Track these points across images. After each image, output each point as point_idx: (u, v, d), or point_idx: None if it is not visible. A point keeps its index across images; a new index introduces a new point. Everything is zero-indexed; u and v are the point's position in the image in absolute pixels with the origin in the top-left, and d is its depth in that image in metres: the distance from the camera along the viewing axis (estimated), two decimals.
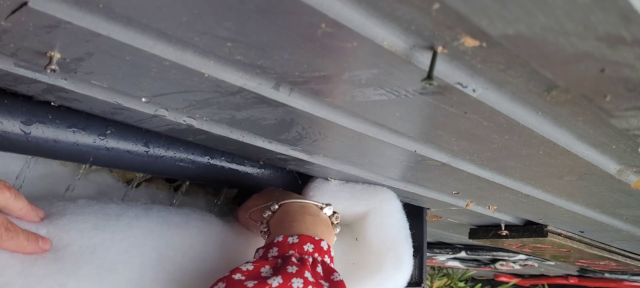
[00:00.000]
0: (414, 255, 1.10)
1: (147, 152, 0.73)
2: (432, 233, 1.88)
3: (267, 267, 0.66)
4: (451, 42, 0.42)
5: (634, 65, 0.43)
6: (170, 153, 0.75)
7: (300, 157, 0.77)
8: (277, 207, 0.78)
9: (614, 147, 0.67)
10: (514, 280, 3.25)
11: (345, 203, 0.90)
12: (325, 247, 0.71)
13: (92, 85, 0.54)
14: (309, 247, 0.69)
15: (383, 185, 0.94)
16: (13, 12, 0.40)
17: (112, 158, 0.70)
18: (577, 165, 0.75)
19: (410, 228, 1.00)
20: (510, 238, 1.35)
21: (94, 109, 0.63)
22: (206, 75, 0.50)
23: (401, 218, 0.98)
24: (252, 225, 0.83)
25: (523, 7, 0.37)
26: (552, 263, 2.22)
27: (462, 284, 3.11)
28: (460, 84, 0.50)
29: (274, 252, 0.69)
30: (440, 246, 2.32)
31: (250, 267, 0.66)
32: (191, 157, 0.77)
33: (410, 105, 0.56)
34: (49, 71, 0.47)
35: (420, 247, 1.12)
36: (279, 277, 0.63)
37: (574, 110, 0.55)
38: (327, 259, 0.70)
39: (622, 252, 1.72)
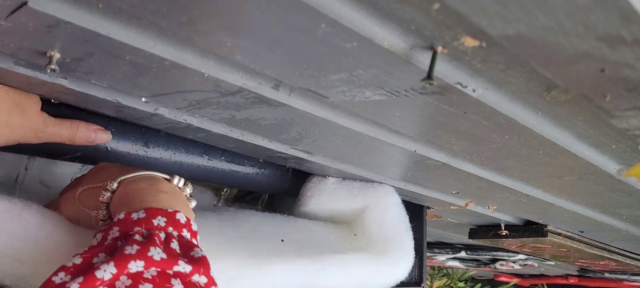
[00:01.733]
0: (414, 255, 1.11)
1: (146, 153, 0.73)
2: (432, 233, 1.88)
3: (102, 254, 0.50)
4: (451, 42, 0.42)
5: (634, 65, 0.43)
6: (169, 152, 0.75)
7: (300, 156, 0.77)
8: (116, 185, 0.60)
9: (613, 147, 0.67)
10: (514, 280, 3.26)
11: (343, 201, 0.90)
12: (183, 220, 0.56)
13: (92, 85, 0.54)
14: (160, 221, 0.54)
15: (381, 183, 0.94)
16: (13, 12, 0.40)
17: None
18: (577, 165, 0.75)
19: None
20: (510, 238, 1.35)
21: (94, 108, 0.63)
22: (206, 75, 0.50)
23: (400, 211, 0.98)
24: (84, 215, 0.64)
25: (523, 7, 0.37)
26: (552, 263, 2.22)
27: (462, 284, 3.12)
28: (460, 84, 0.50)
29: (115, 232, 0.53)
30: (440, 246, 2.32)
31: (79, 260, 0.50)
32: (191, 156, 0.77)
33: (410, 105, 0.56)
34: (48, 71, 0.47)
35: (420, 246, 1.12)
36: (111, 264, 0.48)
37: (573, 110, 0.55)
38: (185, 233, 0.56)
39: (622, 252, 1.72)
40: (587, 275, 2.81)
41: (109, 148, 0.69)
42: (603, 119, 0.57)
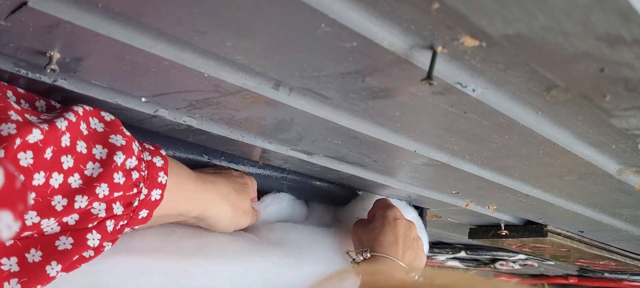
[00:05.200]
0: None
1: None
2: (432, 233, 1.88)
3: None
4: (451, 41, 0.42)
5: (634, 64, 0.43)
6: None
7: (300, 157, 0.77)
8: (369, 255, 0.80)
9: (613, 146, 0.67)
10: (514, 280, 3.25)
11: None
12: None
13: (91, 85, 0.54)
14: None
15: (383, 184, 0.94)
16: (13, 12, 0.40)
17: None
18: (576, 165, 0.75)
19: None
20: (510, 238, 1.35)
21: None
22: (206, 75, 0.50)
23: (419, 222, 1.06)
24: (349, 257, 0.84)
25: (523, 7, 0.37)
26: (552, 263, 2.22)
27: None
28: (460, 84, 0.50)
29: None
30: (440, 246, 2.32)
31: None
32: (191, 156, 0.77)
33: (409, 105, 0.56)
34: (48, 71, 0.47)
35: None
36: None
37: (573, 109, 0.55)
38: None
39: (622, 252, 1.72)
40: (587, 275, 2.81)
41: None
42: (603, 119, 0.57)
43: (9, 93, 0.53)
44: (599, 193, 0.94)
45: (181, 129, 0.67)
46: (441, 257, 2.45)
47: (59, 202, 0.50)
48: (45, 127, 0.49)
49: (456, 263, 2.68)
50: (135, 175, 0.57)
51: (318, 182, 0.93)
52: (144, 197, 0.59)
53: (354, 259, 0.80)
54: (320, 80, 0.52)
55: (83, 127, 0.53)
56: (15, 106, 0.49)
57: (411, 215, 1.09)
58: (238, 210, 0.74)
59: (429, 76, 0.44)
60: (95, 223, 0.55)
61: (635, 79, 0.46)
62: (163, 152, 0.63)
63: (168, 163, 0.62)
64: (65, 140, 0.51)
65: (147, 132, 0.72)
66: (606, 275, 2.62)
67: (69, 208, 0.51)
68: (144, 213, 0.60)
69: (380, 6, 0.39)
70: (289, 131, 0.67)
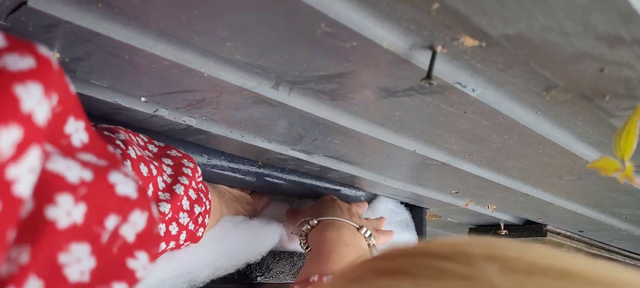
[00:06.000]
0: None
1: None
2: (432, 232, 1.88)
3: None
4: (451, 41, 0.42)
5: (634, 64, 0.43)
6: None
7: (300, 157, 0.77)
8: (315, 222, 0.82)
9: (613, 146, 0.67)
10: None
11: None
12: None
13: (91, 85, 0.54)
14: None
15: (382, 184, 0.94)
16: (12, 12, 0.40)
17: None
18: (576, 165, 0.75)
19: None
20: (510, 237, 1.36)
21: (93, 109, 0.63)
22: (206, 74, 0.50)
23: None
24: (296, 234, 0.88)
25: (522, 7, 0.37)
26: None
27: None
28: (460, 84, 0.50)
29: None
30: None
31: None
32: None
33: (409, 105, 0.56)
34: None
35: None
36: None
37: (573, 109, 0.55)
38: None
39: (622, 252, 1.72)
40: None
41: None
42: (602, 119, 0.57)
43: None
44: (598, 193, 0.94)
45: (181, 129, 0.67)
46: None
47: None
48: (167, 196, 0.61)
49: None
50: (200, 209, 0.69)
51: (317, 183, 0.93)
52: (201, 220, 0.70)
53: (303, 230, 0.83)
54: (320, 80, 0.52)
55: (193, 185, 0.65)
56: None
57: (404, 215, 1.10)
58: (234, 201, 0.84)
59: (428, 76, 0.44)
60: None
61: (635, 79, 0.46)
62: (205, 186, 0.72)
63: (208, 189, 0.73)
64: (185, 204, 0.64)
65: (146, 131, 0.72)
66: None
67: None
68: (200, 232, 0.71)
69: (380, 6, 0.39)
70: (289, 131, 0.67)
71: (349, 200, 1.02)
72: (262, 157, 0.80)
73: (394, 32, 0.42)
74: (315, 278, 0.72)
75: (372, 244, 0.82)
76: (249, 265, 0.84)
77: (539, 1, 0.36)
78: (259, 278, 0.87)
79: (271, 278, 0.88)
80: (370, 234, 0.83)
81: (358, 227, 0.82)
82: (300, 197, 0.98)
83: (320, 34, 0.42)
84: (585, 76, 0.47)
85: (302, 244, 0.85)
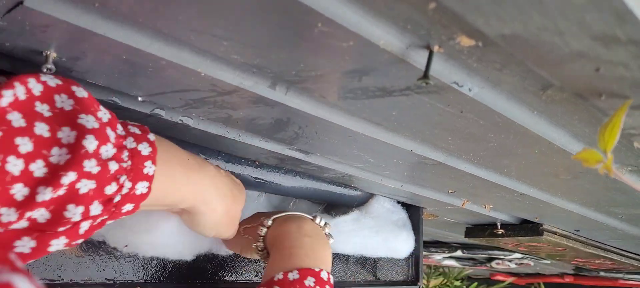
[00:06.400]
0: (410, 254, 1.11)
1: None
2: (428, 232, 1.89)
3: None
4: (447, 41, 0.42)
5: (629, 64, 0.44)
6: None
7: (297, 157, 0.78)
8: (270, 222, 0.76)
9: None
10: (510, 279, 3.26)
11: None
12: (326, 277, 0.70)
13: (87, 84, 0.54)
14: (310, 282, 0.67)
15: (379, 184, 0.94)
16: (9, 11, 0.40)
17: None
18: (572, 164, 0.75)
19: None
20: (506, 237, 1.36)
21: None
22: (202, 74, 0.50)
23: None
24: (246, 244, 0.79)
25: (518, 7, 0.37)
26: (548, 261, 2.22)
27: (458, 283, 3.12)
28: (456, 83, 0.50)
29: None
30: (437, 245, 2.32)
31: None
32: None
33: (406, 104, 0.56)
34: (45, 70, 0.47)
35: (417, 246, 1.12)
36: None
37: (569, 109, 0.56)
38: None
39: (617, 251, 1.73)
40: (582, 273, 2.82)
41: None
42: (598, 118, 0.57)
43: None
44: (594, 192, 0.94)
45: (178, 128, 0.67)
46: (437, 256, 2.46)
47: (19, 190, 0.43)
48: None
49: (452, 262, 2.68)
50: (113, 166, 0.49)
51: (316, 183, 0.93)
52: (127, 191, 0.52)
53: (260, 235, 0.75)
54: (317, 80, 0.52)
55: (42, 107, 0.46)
56: None
57: (400, 215, 1.10)
58: (228, 216, 0.68)
59: (425, 75, 0.44)
60: (67, 226, 0.48)
61: (630, 79, 0.46)
62: (151, 136, 0.56)
63: (157, 150, 0.55)
64: (17, 120, 0.44)
65: None
66: (602, 273, 2.63)
67: (30, 201, 0.44)
68: (128, 207, 0.53)
69: (376, 6, 0.39)
70: (286, 130, 0.67)
71: (344, 201, 1.02)
72: (259, 156, 0.80)
73: (391, 32, 0.43)
74: (280, 276, 0.67)
75: (328, 233, 0.77)
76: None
77: (534, 1, 0.36)
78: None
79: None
80: (325, 222, 0.78)
81: (312, 217, 0.77)
82: (298, 198, 0.98)
83: (316, 34, 0.42)
84: (581, 76, 0.47)
85: (259, 251, 0.76)
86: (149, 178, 0.54)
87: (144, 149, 0.54)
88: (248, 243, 0.78)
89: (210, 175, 0.64)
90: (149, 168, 0.54)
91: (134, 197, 0.53)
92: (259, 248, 0.76)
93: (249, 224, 0.78)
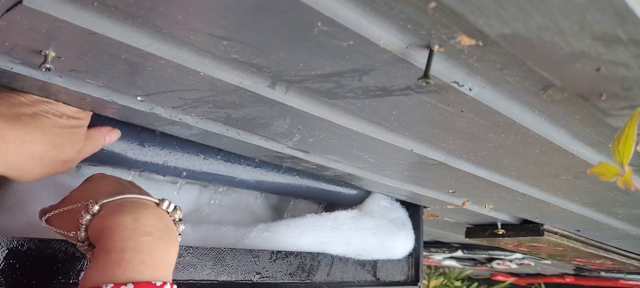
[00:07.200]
0: (410, 254, 1.11)
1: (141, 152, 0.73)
2: (429, 232, 1.89)
3: None
4: (447, 40, 0.42)
5: (630, 64, 0.43)
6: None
7: (297, 155, 0.77)
8: (97, 208, 0.56)
9: (609, 146, 0.67)
10: (511, 279, 3.27)
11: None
12: None
13: (87, 84, 0.54)
14: None
15: (379, 183, 0.94)
16: (8, 10, 0.40)
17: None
18: (573, 164, 0.75)
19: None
20: (507, 237, 1.36)
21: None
22: (202, 74, 0.50)
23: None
24: (63, 235, 0.60)
25: (519, 6, 0.37)
26: (549, 262, 2.22)
27: (458, 283, 3.12)
28: (457, 83, 0.50)
29: None
30: (437, 245, 2.32)
31: None
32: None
33: (406, 104, 0.56)
34: (43, 70, 0.47)
35: (417, 246, 1.12)
36: None
37: (570, 109, 0.55)
38: None
39: (618, 251, 1.73)
40: (583, 274, 2.82)
41: (103, 148, 0.68)
42: (599, 118, 0.57)
43: None
44: (595, 192, 0.94)
45: (177, 127, 0.67)
46: (438, 256, 2.46)
47: None
48: None
49: (453, 263, 2.68)
50: None
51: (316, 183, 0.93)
52: None
53: (82, 224, 0.56)
54: (317, 79, 0.52)
55: None
56: None
57: (399, 213, 1.09)
58: (54, 165, 0.59)
59: (425, 75, 0.44)
60: None
61: (631, 79, 0.46)
62: None
63: None
64: None
65: (143, 129, 0.72)
66: (602, 274, 2.63)
67: None
68: None
69: (377, 5, 0.39)
70: (286, 130, 0.67)
71: (343, 200, 1.02)
72: (259, 154, 0.80)
73: (391, 31, 0.42)
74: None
75: (178, 219, 0.59)
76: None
77: (535, 0, 0.36)
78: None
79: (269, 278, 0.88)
80: (175, 207, 0.58)
81: (157, 202, 0.58)
82: (297, 197, 0.98)
83: (316, 33, 0.42)
84: (582, 75, 0.47)
85: (81, 244, 0.57)
86: None
87: None
88: (64, 236, 0.60)
89: (23, 140, 0.55)
90: None
91: None
92: (80, 239, 0.57)
93: (67, 206, 0.59)
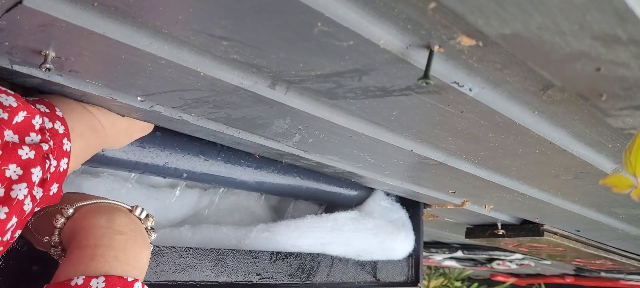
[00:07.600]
0: (410, 255, 1.11)
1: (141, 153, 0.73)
2: (429, 232, 1.89)
3: None
4: (447, 41, 0.42)
5: (630, 64, 0.43)
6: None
7: (297, 154, 0.77)
8: (72, 211, 0.57)
9: (609, 146, 0.67)
10: (511, 280, 3.26)
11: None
12: None
13: (87, 83, 0.54)
14: None
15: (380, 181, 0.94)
16: (8, 11, 0.40)
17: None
18: (573, 164, 0.75)
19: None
20: (507, 237, 1.36)
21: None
22: (202, 74, 0.50)
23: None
24: (36, 242, 0.61)
25: (519, 6, 0.37)
26: (549, 262, 2.22)
27: (458, 283, 3.12)
28: (457, 83, 0.50)
29: None
30: (437, 246, 2.32)
31: None
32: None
33: (406, 104, 0.56)
34: (43, 69, 0.47)
35: (417, 246, 1.12)
36: None
37: (570, 109, 0.55)
38: None
39: (618, 251, 1.73)
40: (583, 274, 2.82)
41: (103, 151, 0.68)
42: (599, 118, 0.57)
43: None
44: (595, 193, 0.94)
45: (177, 127, 0.67)
46: (438, 257, 2.46)
47: None
48: None
49: (453, 263, 2.68)
50: (45, 147, 0.50)
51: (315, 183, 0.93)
52: (54, 169, 0.50)
53: (56, 227, 0.57)
54: (317, 80, 0.52)
55: None
56: None
57: (399, 213, 1.09)
58: (135, 133, 0.68)
59: (425, 75, 0.44)
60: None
61: (631, 79, 0.46)
62: (59, 112, 0.54)
63: (67, 126, 0.54)
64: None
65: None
66: (603, 274, 2.63)
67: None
68: (54, 188, 0.52)
69: (377, 5, 0.39)
70: (286, 130, 0.67)
71: (343, 201, 1.02)
72: (258, 150, 0.80)
73: (391, 31, 0.42)
74: (80, 281, 0.51)
75: (150, 227, 0.61)
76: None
77: (535, 0, 0.36)
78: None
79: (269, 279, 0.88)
80: (147, 214, 0.61)
81: (130, 208, 0.60)
82: (296, 198, 0.98)
83: (316, 33, 0.42)
84: (582, 75, 0.47)
85: (54, 249, 0.59)
86: (67, 155, 0.53)
87: (59, 128, 0.54)
88: (38, 241, 0.61)
89: (105, 128, 0.62)
90: (66, 145, 0.54)
91: (58, 175, 0.52)
92: (53, 244, 0.58)
93: (42, 213, 0.60)
